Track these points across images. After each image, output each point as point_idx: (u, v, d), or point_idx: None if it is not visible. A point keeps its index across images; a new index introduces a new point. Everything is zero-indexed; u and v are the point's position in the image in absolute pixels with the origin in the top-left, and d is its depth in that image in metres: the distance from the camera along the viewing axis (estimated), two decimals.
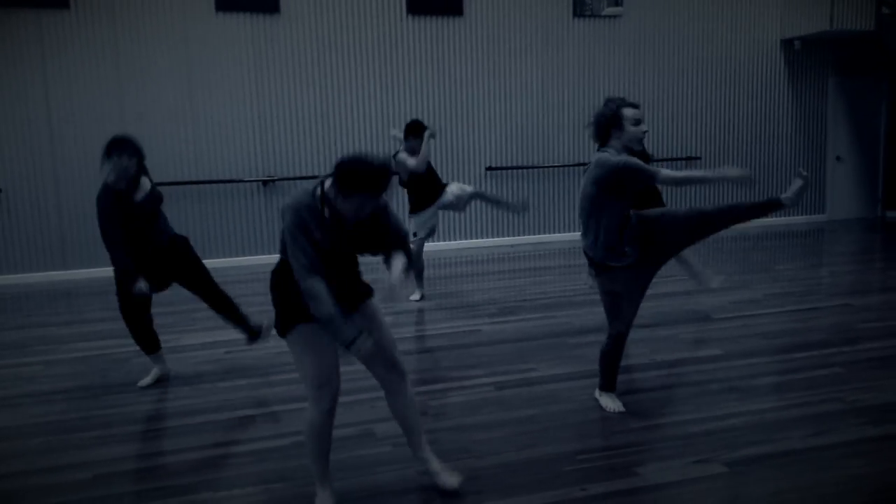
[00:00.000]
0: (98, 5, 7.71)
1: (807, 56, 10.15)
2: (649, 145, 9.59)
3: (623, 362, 4.45)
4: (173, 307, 6.20)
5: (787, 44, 10.03)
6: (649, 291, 6.35)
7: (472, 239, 9.17)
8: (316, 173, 8.45)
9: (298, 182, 8.42)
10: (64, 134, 7.74)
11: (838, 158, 10.58)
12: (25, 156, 7.71)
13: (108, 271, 4.17)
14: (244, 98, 8.22)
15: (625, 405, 3.74)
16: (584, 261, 7.96)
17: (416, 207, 6.24)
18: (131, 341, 4.49)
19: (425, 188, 6.21)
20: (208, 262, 4.51)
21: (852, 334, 4.90)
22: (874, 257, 8.26)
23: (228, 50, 8.12)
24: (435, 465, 2.94)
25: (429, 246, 8.86)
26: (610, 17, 9.32)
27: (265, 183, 8.35)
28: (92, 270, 7.71)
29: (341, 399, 3.91)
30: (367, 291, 2.84)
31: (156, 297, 4.30)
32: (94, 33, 7.74)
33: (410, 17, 8.65)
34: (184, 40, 7.97)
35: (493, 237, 9.24)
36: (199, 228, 8.05)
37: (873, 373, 4.15)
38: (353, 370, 4.37)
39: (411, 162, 6.00)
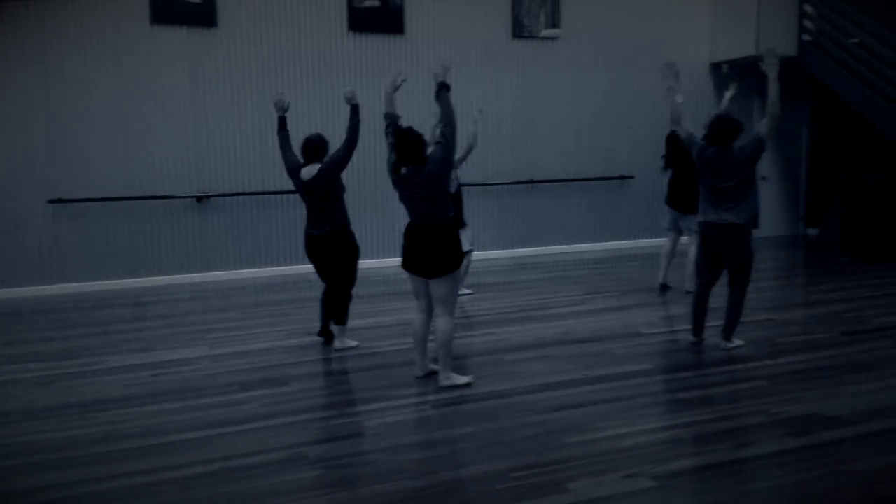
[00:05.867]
0: (27, 15, 7.45)
1: (734, 79, 10.49)
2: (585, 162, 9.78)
3: (558, 378, 4.53)
4: (103, 327, 6.02)
5: (715, 67, 10.40)
6: (584, 307, 6.46)
7: None
8: (252, 189, 8.33)
9: (233, 199, 8.29)
10: None
11: (764, 178, 11.00)
12: None
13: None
14: (179, 112, 8.05)
15: (558, 421, 3.79)
16: (522, 277, 7.98)
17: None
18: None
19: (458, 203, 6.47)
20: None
21: (775, 348, 5.09)
22: (797, 273, 8.61)
23: (164, 63, 7.95)
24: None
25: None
26: (548, 38, 9.51)
27: (199, 199, 8.17)
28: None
29: (268, 423, 3.86)
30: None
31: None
32: (22, 42, 7.47)
33: (351, 35, 8.65)
34: (116, 51, 7.77)
35: None
36: (129, 245, 7.83)
37: (795, 385, 4.31)
38: (278, 393, 4.30)
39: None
